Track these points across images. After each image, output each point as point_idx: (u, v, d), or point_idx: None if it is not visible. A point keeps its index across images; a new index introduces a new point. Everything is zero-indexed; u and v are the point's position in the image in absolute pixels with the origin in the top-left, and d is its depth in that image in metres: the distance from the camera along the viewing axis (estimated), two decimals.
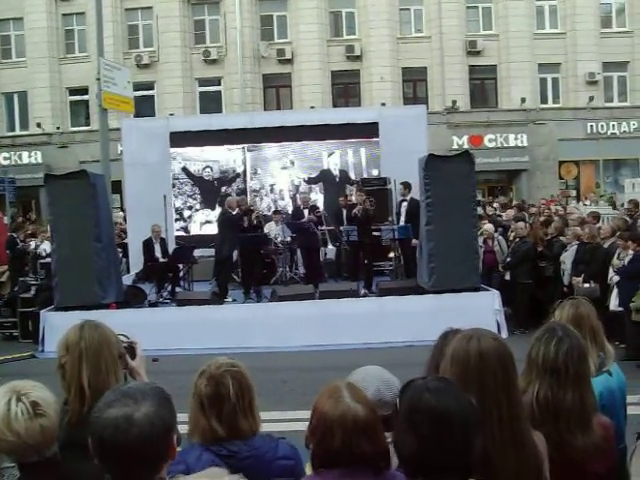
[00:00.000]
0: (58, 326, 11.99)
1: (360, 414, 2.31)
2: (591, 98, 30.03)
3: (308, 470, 2.47)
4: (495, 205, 21.94)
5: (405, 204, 15.05)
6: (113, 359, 2.97)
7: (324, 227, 15.55)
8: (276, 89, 31.60)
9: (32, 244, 17.45)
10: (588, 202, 24.25)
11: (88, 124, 31.41)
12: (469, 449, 2.07)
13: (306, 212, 15.53)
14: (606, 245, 12.14)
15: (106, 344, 2.96)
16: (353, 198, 15.80)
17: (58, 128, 31.57)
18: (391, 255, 15.84)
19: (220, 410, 2.66)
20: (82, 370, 2.87)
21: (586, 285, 11.82)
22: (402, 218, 15.05)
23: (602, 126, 30.48)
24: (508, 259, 13.70)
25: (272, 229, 16.04)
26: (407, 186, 15.02)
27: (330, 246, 16.20)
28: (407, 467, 2.15)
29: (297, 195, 18.13)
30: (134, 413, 2.00)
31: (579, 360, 2.89)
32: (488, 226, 14.90)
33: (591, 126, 30.43)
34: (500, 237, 14.60)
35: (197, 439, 2.71)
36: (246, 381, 2.76)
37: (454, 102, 30.16)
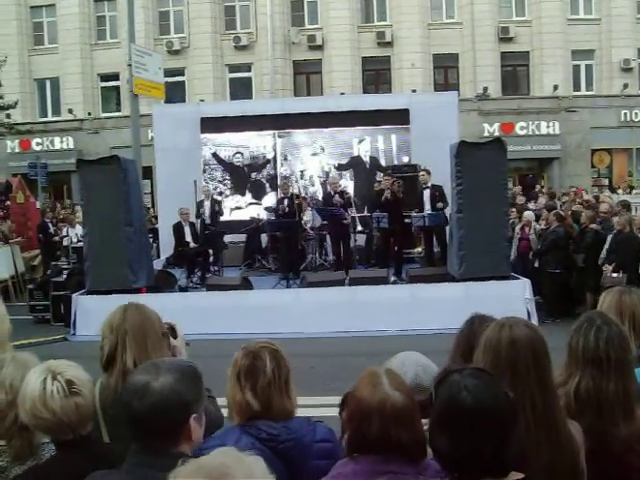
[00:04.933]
0: (90, 310, 12.16)
1: (398, 401, 2.28)
2: (625, 85, 29.56)
3: None
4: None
5: (428, 191, 14.83)
6: (158, 337, 3.04)
7: (353, 212, 15.47)
8: (306, 75, 31.53)
9: (64, 231, 17.67)
10: (621, 191, 23.92)
11: (119, 110, 31.61)
12: (505, 447, 2.04)
13: (336, 197, 15.50)
14: None
15: (150, 323, 3.04)
16: (382, 184, 15.68)
17: (89, 114, 31.81)
18: (418, 249, 15.80)
19: (255, 383, 2.67)
20: (126, 350, 2.93)
21: (614, 275, 11.74)
22: (427, 206, 14.80)
23: (636, 114, 30.01)
24: (538, 247, 13.65)
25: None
26: (428, 172, 14.79)
27: (359, 228, 16.08)
28: (442, 463, 2.14)
29: (326, 181, 18.12)
30: (152, 382, 2.07)
31: (620, 348, 2.83)
32: (527, 213, 14.81)
33: (625, 114, 29.97)
34: (537, 226, 14.49)
35: (235, 418, 2.72)
36: (284, 361, 2.77)
37: (485, 89, 29.87)
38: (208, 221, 15.75)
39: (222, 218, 17.54)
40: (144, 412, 2.05)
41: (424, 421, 2.44)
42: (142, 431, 2.08)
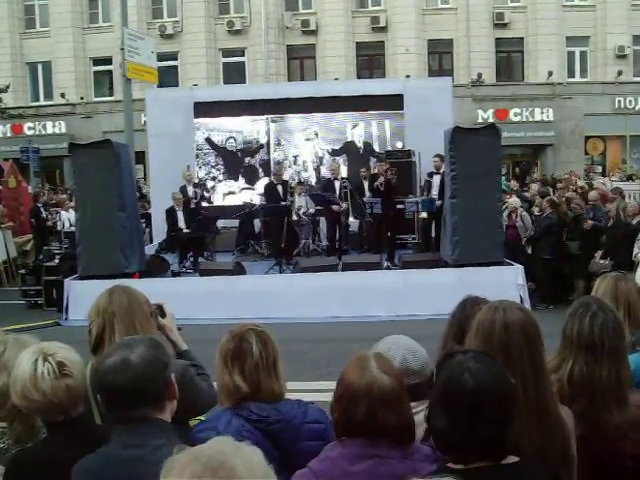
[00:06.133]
0: (82, 294, 12.11)
1: (386, 384, 2.28)
2: (620, 72, 29.53)
3: None
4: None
5: (438, 177, 14.84)
6: (146, 318, 3.06)
7: (345, 204, 15.46)
8: (300, 60, 31.41)
9: (56, 215, 17.60)
10: (615, 178, 23.89)
11: (112, 94, 31.46)
12: (503, 431, 2.04)
13: (337, 183, 15.48)
14: (634, 222, 12.04)
15: (137, 304, 3.05)
16: (376, 170, 15.67)
17: (82, 98, 31.66)
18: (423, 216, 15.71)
19: (243, 365, 2.66)
20: (114, 332, 2.93)
21: (601, 261, 11.82)
22: (434, 191, 14.86)
23: (630, 101, 30.00)
24: (531, 233, 13.66)
25: (295, 200, 16.01)
26: (442, 159, 14.74)
27: (351, 218, 16.07)
28: (437, 442, 2.14)
29: (321, 166, 18.10)
30: (129, 356, 2.15)
31: (615, 334, 2.81)
32: (513, 200, 14.77)
33: (619, 101, 29.96)
34: (524, 212, 14.47)
35: (225, 402, 2.72)
36: (271, 342, 2.77)
37: (480, 75, 29.82)
38: (193, 206, 15.74)
39: (215, 203, 17.57)
40: (131, 384, 2.11)
41: (414, 404, 2.44)
42: (126, 404, 2.14)
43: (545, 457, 2.34)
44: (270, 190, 15.65)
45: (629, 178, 23.66)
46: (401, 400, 2.31)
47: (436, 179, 14.86)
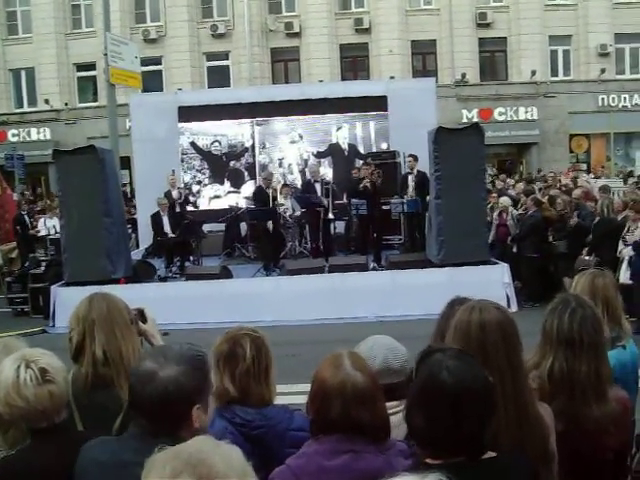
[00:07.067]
0: (68, 301, 12.03)
1: (359, 382, 2.30)
2: (602, 70, 29.69)
3: None
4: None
5: (412, 177, 14.94)
6: (126, 325, 3.02)
7: (328, 200, 15.47)
8: (284, 63, 31.39)
9: (41, 222, 17.52)
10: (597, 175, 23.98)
11: (96, 100, 31.30)
12: (481, 429, 2.06)
13: (317, 186, 15.46)
14: (619, 218, 12.12)
15: (117, 312, 3.01)
16: (361, 173, 15.68)
17: (66, 104, 31.49)
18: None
19: (234, 369, 2.68)
20: (95, 340, 2.92)
21: (586, 258, 11.90)
22: (410, 191, 14.92)
23: (613, 99, 30.15)
24: (517, 232, 13.74)
25: (279, 202, 15.99)
26: (416, 158, 14.89)
27: (331, 215, 16.01)
28: (416, 440, 2.15)
29: (306, 169, 18.10)
30: (158, 372, 2.08)
31: (593, 330, 2.85)
32: (504, 199, 14.84)
33: (602, 99, 30.11)
34: (515, 211, 14.55)
35: (212, 402, 2.71)
36: (265, 348, 2.79)
37: (463, 75, 29.91)
38: (178, 209, 15.73)
39: (201, 207, 17.55)
40: (146, 399, 2.07)
41: (396, 403, 2.46)
42: (144, 415, 2.10)
43: (524, 455, 2.37)
44: (260, 195, 15.59)
45: (629, 175, 23.74)
46: (375, 398, 2.33)
47: (411, 179, 14.97)
